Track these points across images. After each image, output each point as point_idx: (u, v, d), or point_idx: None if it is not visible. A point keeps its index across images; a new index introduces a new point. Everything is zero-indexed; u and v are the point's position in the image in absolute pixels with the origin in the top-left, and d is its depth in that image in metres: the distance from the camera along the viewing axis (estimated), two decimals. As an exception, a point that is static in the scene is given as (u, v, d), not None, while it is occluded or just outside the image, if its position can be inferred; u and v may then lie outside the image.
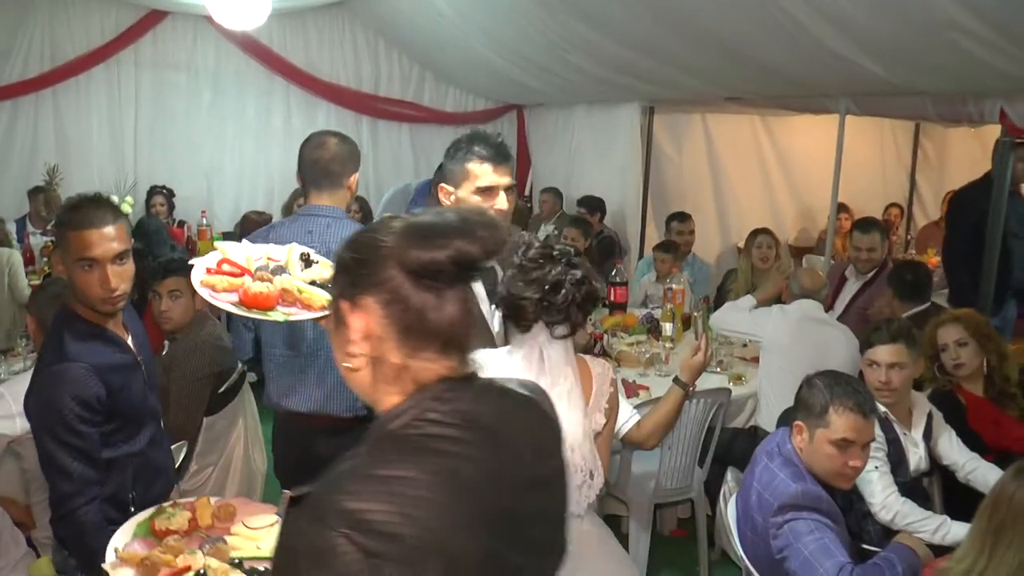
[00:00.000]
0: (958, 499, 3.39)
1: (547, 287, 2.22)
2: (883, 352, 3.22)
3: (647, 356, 4.50)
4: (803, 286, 4.22)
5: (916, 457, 3.23)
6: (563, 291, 2.23)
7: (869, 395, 2.62)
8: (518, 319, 2.28)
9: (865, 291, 5.11)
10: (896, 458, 3.11)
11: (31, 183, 6.85)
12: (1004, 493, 2.01)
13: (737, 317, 4.37)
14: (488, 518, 1.22)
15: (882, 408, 3.13)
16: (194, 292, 3.50)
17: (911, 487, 3.16)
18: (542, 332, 2.29)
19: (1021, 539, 1.93)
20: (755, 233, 5.66)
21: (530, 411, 1.40)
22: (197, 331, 3.60)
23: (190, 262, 2.78)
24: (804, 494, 2.47)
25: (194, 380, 3.51)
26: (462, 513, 1.18)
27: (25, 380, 2.82)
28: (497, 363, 2.28)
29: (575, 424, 2.32)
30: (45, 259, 5.83)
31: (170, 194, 7.28)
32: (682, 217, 6.43)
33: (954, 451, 3.35)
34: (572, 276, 2.25)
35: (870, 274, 5.14)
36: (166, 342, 3.69)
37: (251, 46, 7.79)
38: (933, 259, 6.95)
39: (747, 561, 2.66)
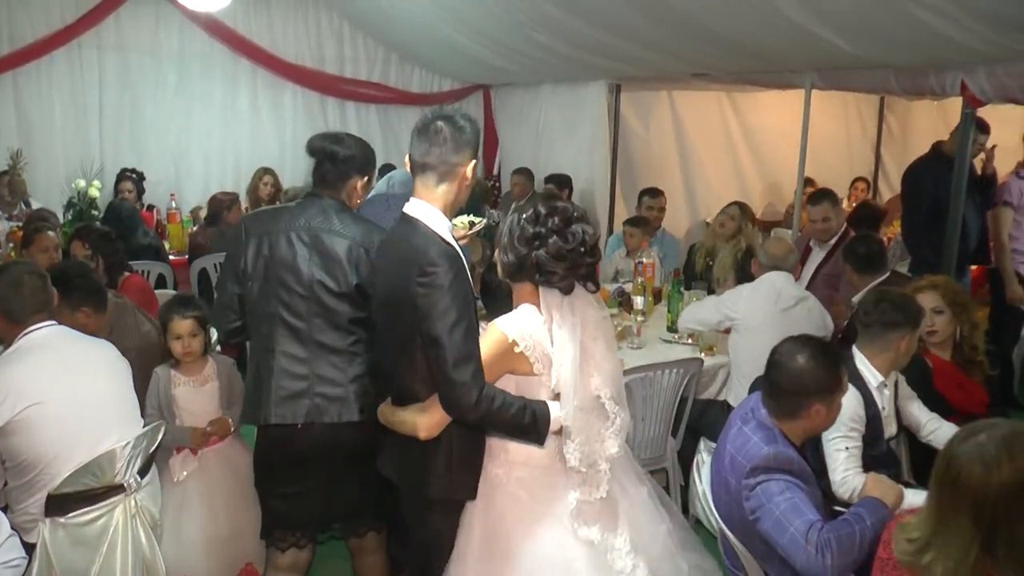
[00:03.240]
0: (924, 457, 3.50)
1: (584, 249, 2.39)
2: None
3: (619, 329, 4.54)
4: (772, 254, 4.23)
5: (890, 427, 3.31)
6: (596, 249, 2.42)
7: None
8: (567, 284, 2.39)
9: (829, 259, 5.20)
10: (875, 434, 3.16)
11: (-8, 169, 6.74)
12: (951, 468, 1.92)
13: (704, 307, 4.34)
14: None
15: (877, 380, 3.19)
16: (72, 309, 3.42)
17: (883, 454, 3.24)
18: (580, 291, 2.44)
19: (967, 524, 1.87)
20: (730, 204, 5.69)
21: None
22: (118, 335, 3.51)
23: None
24: (776, 456, 2.52)
25: (143, 379, 3.47)
26: None
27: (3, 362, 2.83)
28: (541, 330, 2.40)
29: (616, 371, 2.51)
30: (11, 245, 5.75)
31: (140, 179, 7.22)
32: (653, 193, 6.48)
33: (916, 412, 3.43)
34: (595, 232, 2.43)
35: (832, 242, 5.24)
36: None
37: (215, 28, 7.72)
38: (899, 229, 7.05)
39: (721, 523, 2.71)
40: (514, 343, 2.38)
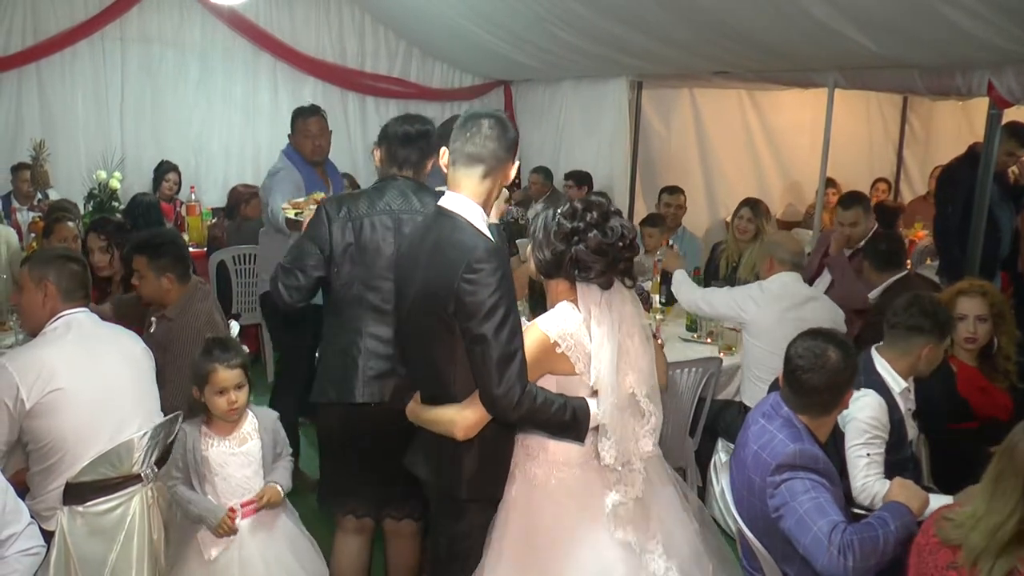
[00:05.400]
0: (945, 462, 3.47)
1: (623, 244, 2.38)
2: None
3: (641, 314, 4.50)
4: (793, 252, 4.15)
5: (912, 430, 3.28)
6: (635, 243, 2.43)
7: None
8: (606, 280, 2.38)
9: (857, 256, 5.12)
10: (898, 437, 3.13)
11: (15, 159, 6.76)
12: (1010, 444, 2.03)
13: (718, 295, 4.26)
14: None
15: (900, 386, 3.15)
16: (157, 273, 3.54)
17: (905, 459, 3.21)
18: (618, 287, 2.43)
19: (1014, 489, 1.96)
20: (740, 204, 5.63)
21: None
22: (187, 310, 3.60)
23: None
24: (801, 454, 2.50)
25: (188, 360, 3.50)
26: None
27: (26, 352, 2.84)
28: (580, 329, 2.37)
29: (651, 368, 2.49)
30: (33, 235, 5.79)
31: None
32: (672, 190, 6.46)
33: None
34: (633, 227, 2.44)
35: (863, 243, 5.15)
36: (153, 319, 3.67)
37: (237, 22, 7.74)
38: (920, 232, 7.00)
39: (741, 523, 2.69)
40: (555, 344, 2.36)
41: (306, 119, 4.79)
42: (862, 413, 3.00)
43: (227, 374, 2.93)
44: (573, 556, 2.36)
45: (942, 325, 3.15)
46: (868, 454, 2.99)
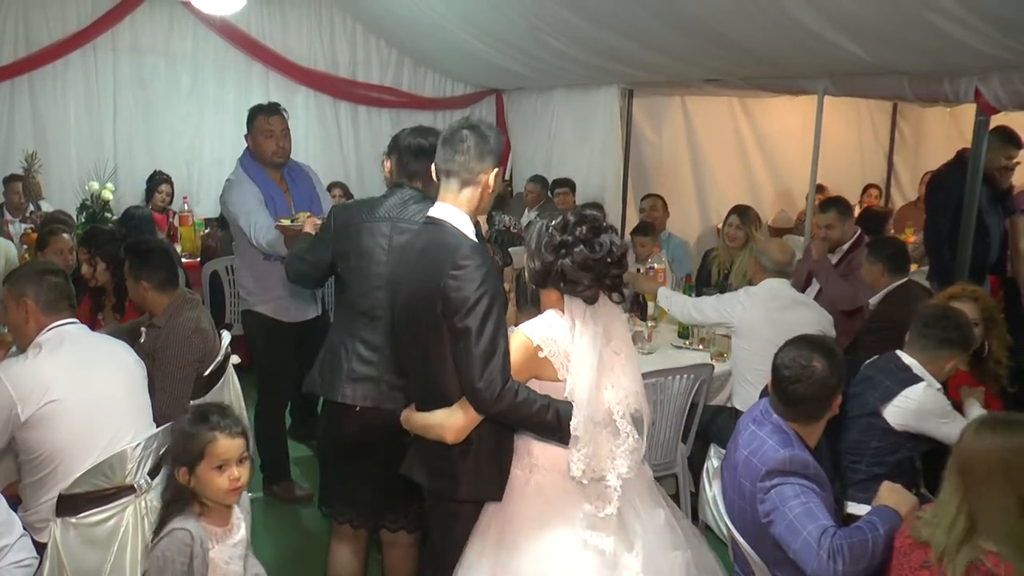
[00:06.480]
0: (936, 464, 3.50)
1: (611, 260, 2.40)
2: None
3: (630, 334, 4.53)
4: (777, 261, 4.21)
5: None
6: (624, 260, 2.45)
7: None
8: (592, 294, 2.41)
9: (843, 261, 5.15)
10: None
11: (6, 171, 6.76)
12: (958, 442, 2.13)
13: (707, 304, 4.35)
14: None
15: (936, 385, 3.20)
16: (135, 279, 3.56)
17: (909, 461, 3.28)
18: (605, 302, 2.46)
19: (957, 485, 2.07)
20: (729, 212, 5.70)
21: None
22: (175, 317, 3.60)
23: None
24: (792, 460, 2.52)
25: (178, 367, 3.52)
26: None
27: (21, 364, 2.85)
28: (565, 336, 2.41)
29: (637, 388, 2.51)
30: (25, 247, 5.79)
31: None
32: (647, 197, 6.68)
33: None
34: (624, 243, 2.47)
35: (846, 246, 5.20)
36: (143, 329, 3.68)
37: (228, 31, 7.75)
38: (911, 238, 7.03)
39: (732, 528, 2.70)
40: (539, 348, 2.41)
41: (268, 116, 4.53)
42: (935, 405, 3.13)
43: (229, 444, 2.38)
44: (540, 558, 2.38)
45: (969, 341, 3.27)
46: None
